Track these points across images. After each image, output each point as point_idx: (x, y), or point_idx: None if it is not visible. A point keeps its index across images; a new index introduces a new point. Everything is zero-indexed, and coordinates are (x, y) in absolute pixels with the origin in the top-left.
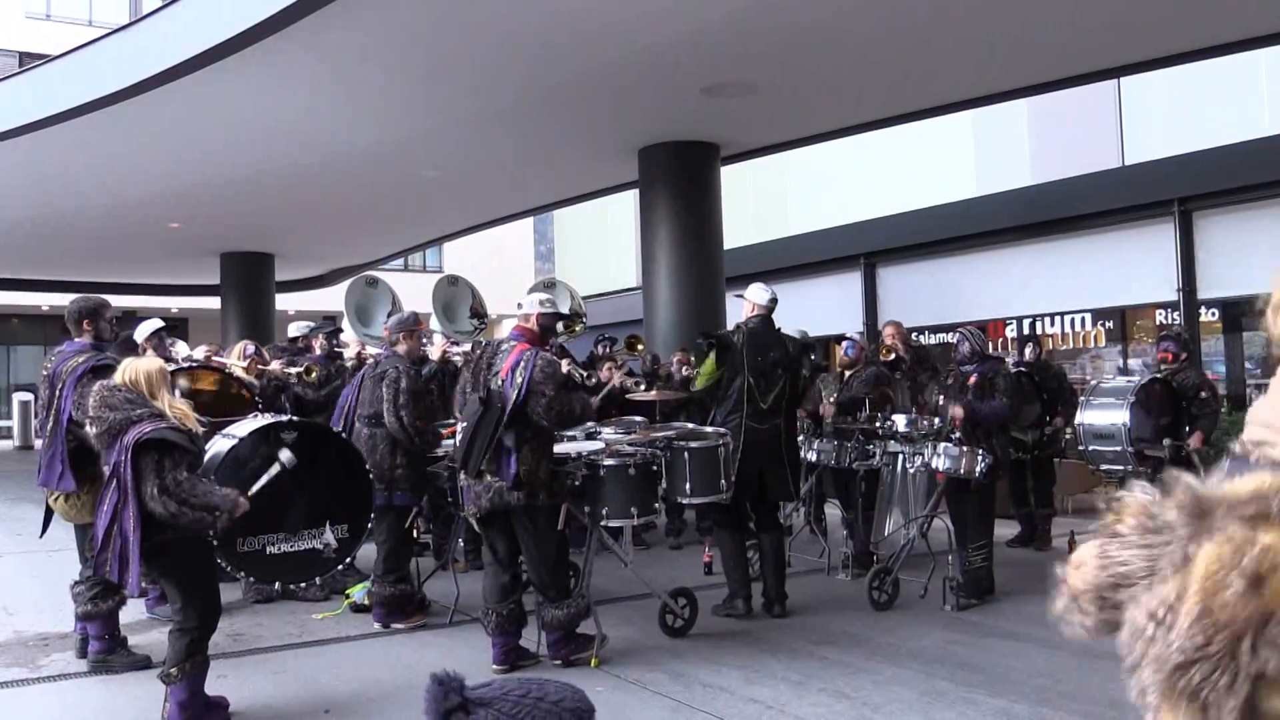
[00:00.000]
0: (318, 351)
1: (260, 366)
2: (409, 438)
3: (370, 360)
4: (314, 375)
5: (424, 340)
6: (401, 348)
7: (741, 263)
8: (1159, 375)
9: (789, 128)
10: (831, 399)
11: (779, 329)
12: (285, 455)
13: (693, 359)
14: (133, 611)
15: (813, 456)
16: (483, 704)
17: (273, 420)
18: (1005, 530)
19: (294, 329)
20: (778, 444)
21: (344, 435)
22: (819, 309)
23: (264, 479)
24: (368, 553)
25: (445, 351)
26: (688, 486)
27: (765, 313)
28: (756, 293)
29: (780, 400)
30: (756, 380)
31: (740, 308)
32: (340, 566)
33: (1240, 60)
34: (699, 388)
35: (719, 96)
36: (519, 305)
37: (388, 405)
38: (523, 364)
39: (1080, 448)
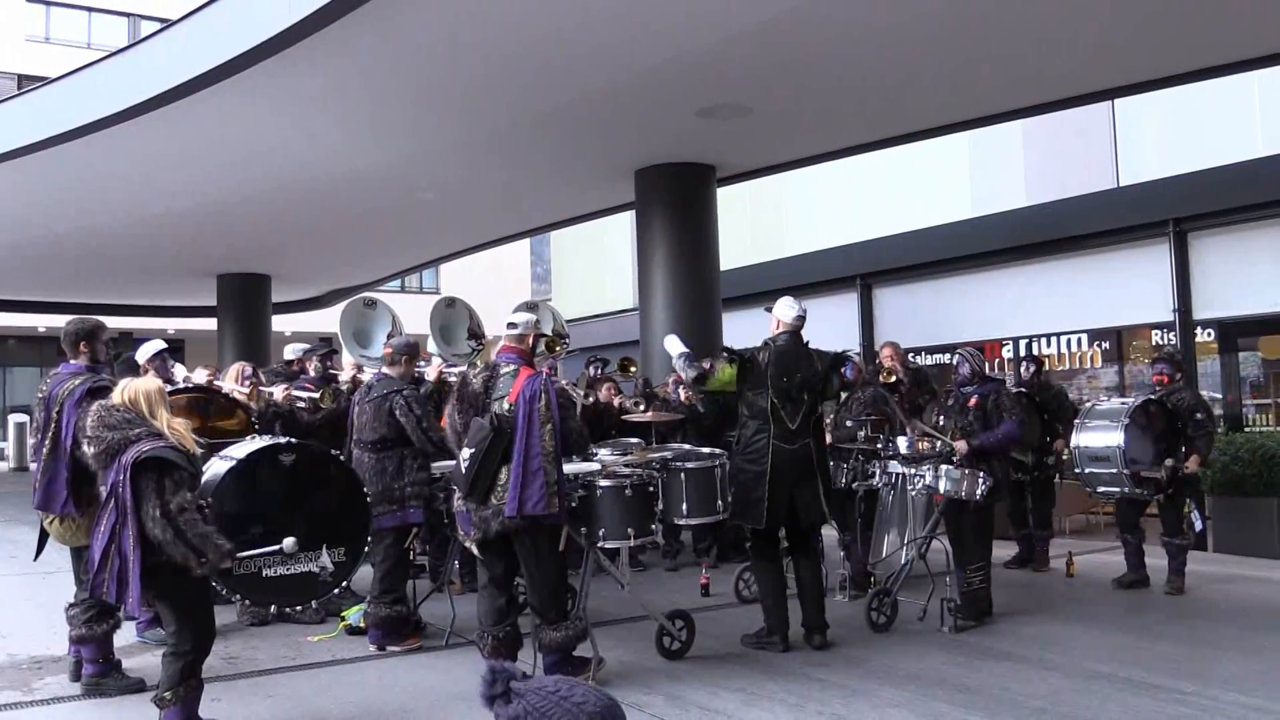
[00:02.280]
0: (312, 373)
1: (260, 389)
2: (438, 451)
3: (364, 384)
4: (328, 404)
5: (420, 364)
6: (397, 369)
7: (738, 284)
8: (1154, 397)
9: (785, 149)
10: (828, 422)
11: (808, 344)
12: (289, 543)
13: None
14: (124, 635)
15: None
16: (519, 695)
17: (271, 442)
18: (1003, 551)
19: (289, 351)
20: (809, 464)
21: (343, 459)
22: (816, 330)
23: (256, 552)
24: (364, 574)
25: (441, 372)
26: (684, 507)
27: (793, 329)
28: (783, 308)
29: (809, 419)
30: (782, 400)
31: (745, 327)
32: (337, 589)
33: (1234, 82)
34: (708, 387)
35: (715, 119)
36: (510, 325)
37: (413, 430)
38: (541, 391)
39: (1076, 470)
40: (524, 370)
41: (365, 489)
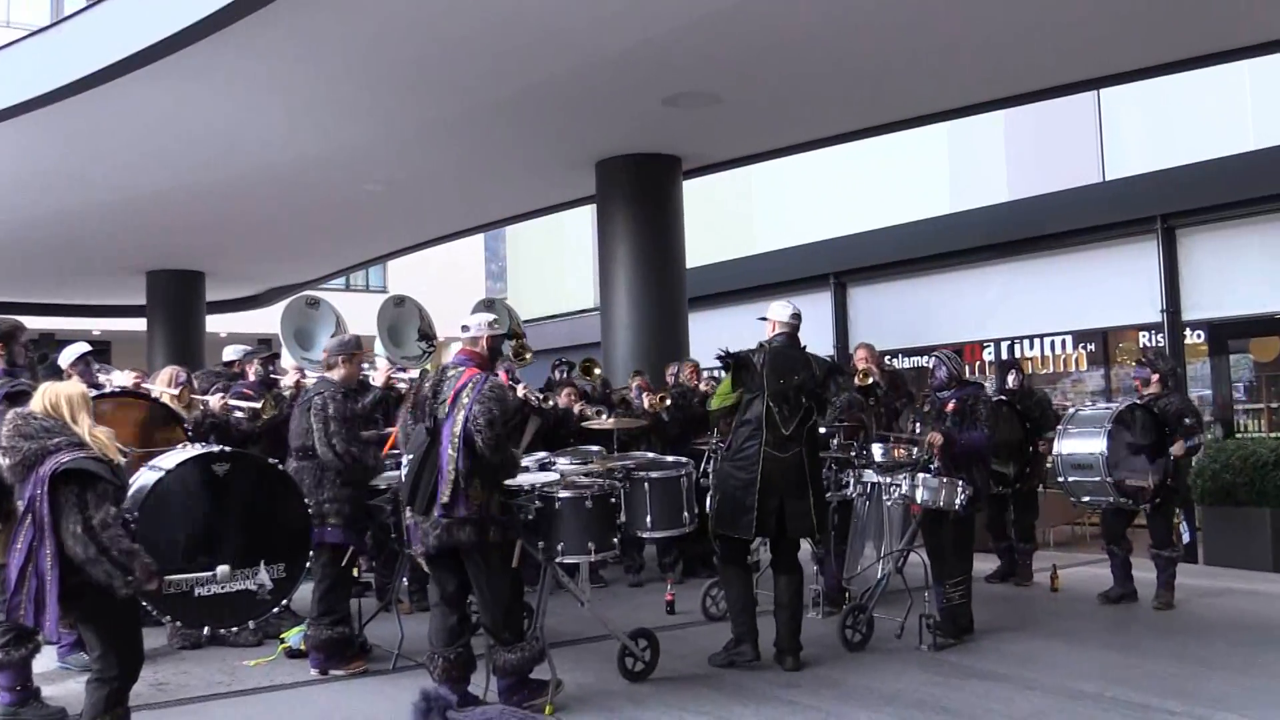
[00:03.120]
0: (251, 378)
1: (193, 397)
2: (348, 466)
3: (306, 387)
4: (269, 415)
5: (365, 366)
6: (337, 373)
7: (705, 282)
8: (1139, 402)
9: (755, 140)
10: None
11: (805, 348)
12: (222, 571)
13: (648, 381)
14: (44, 660)
15: None
16: None
17: (204, 451)
18: (984, 565)
19: (229, 352)
20: (801, 474)
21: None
22: None
23: (185, 576)
24: (305, 594)
25: (390, 377)
26: (648, 519)
27: (789, 330)
28: (778, 310)
29: (804, 426)
30: (778, 405)
31: (710, 329)
32: (275, 609)
33: (1224, 72)
34: (714, 408)
35: (681, 107)
36: (464, 328)
37: (318, 436)
38: (470, 387)
39: (1059, 479)
40: (468, 372)
41: (307, 500)
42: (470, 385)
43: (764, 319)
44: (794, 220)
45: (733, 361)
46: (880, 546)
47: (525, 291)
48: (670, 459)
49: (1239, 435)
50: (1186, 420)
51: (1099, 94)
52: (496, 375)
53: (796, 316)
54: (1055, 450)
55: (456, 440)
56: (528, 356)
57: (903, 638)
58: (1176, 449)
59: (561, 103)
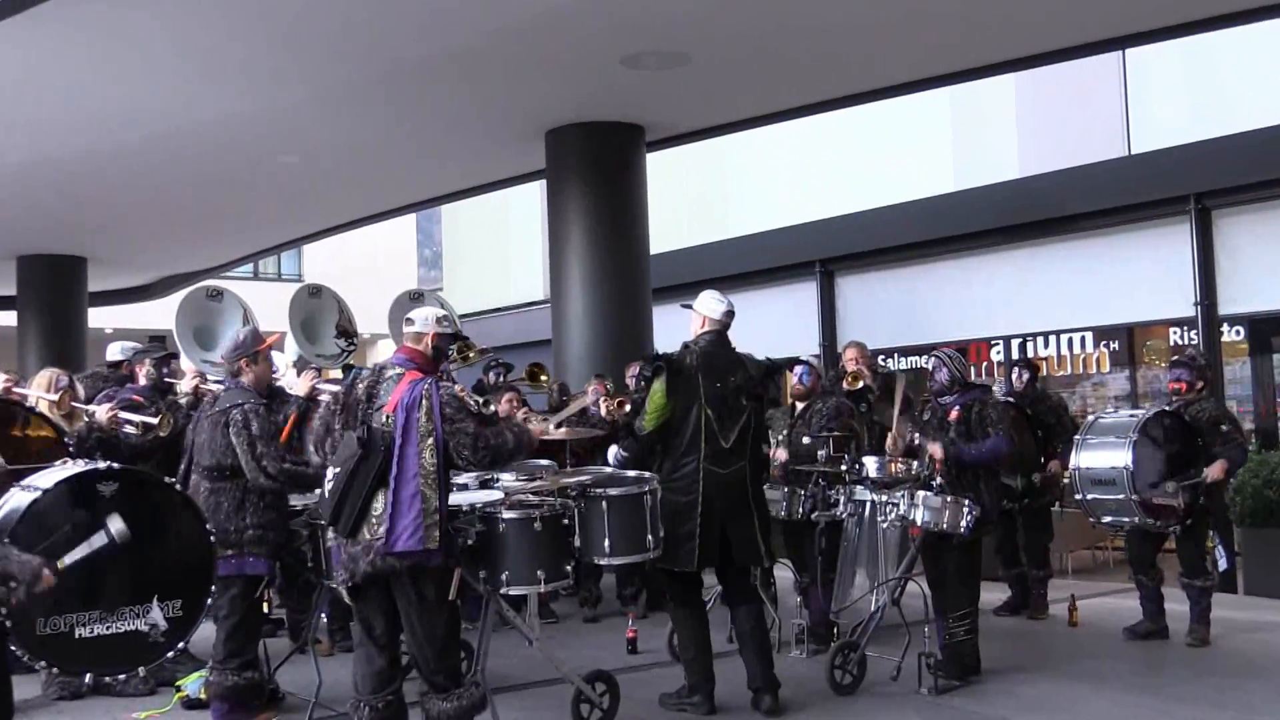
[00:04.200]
0: (143, 381)
1: (75, 406)
2: (283, 486)
3: (209, 396)
4: (166, 431)
5: (278, 371)
6: (247, 377)
7: (671, 270)
8: (1168, 408)
9: (728, 107)
10: (780, 438)
11: (734, 348)
12: (117, 526)
13: (609, 386)
14: None
15: None
16: None
17: (87, 468)
18: (993, 595)
19: (115, 351)
20: (743, 493)
21: (181, 487)
22: (766, 327)
23: (81, 551)
24: (205, 634)
25: (313, 384)
26: (607, 544)
27: (720, 328)
28: (708, 303)
29: (745, 436)
30: (717, 413)
31: (679, 324)
32: (171, 652)
33: (1266, 30)
34: (649, 428)
35: (643, 68)
36: (408, 321)
37: (244, 457)
38: (423, 397)
39: (1077, 496)
40: (409, 374)
41: (209, 526)
42: (422, 395)
43: (688, 306)
44: (774, 199)
45: (663, 366)
46: (874, 575)
47: (464, 281)
48: (632, 474)
49: None
50: (1223, 427)
51: (1124, 55)
52: (431, 379)
53: (730, 314)
54: (1073, 463)
55: (431, 474)
56: (471, 355)
57: (900, 679)
58: (1215, 470)
59: (505, 63)
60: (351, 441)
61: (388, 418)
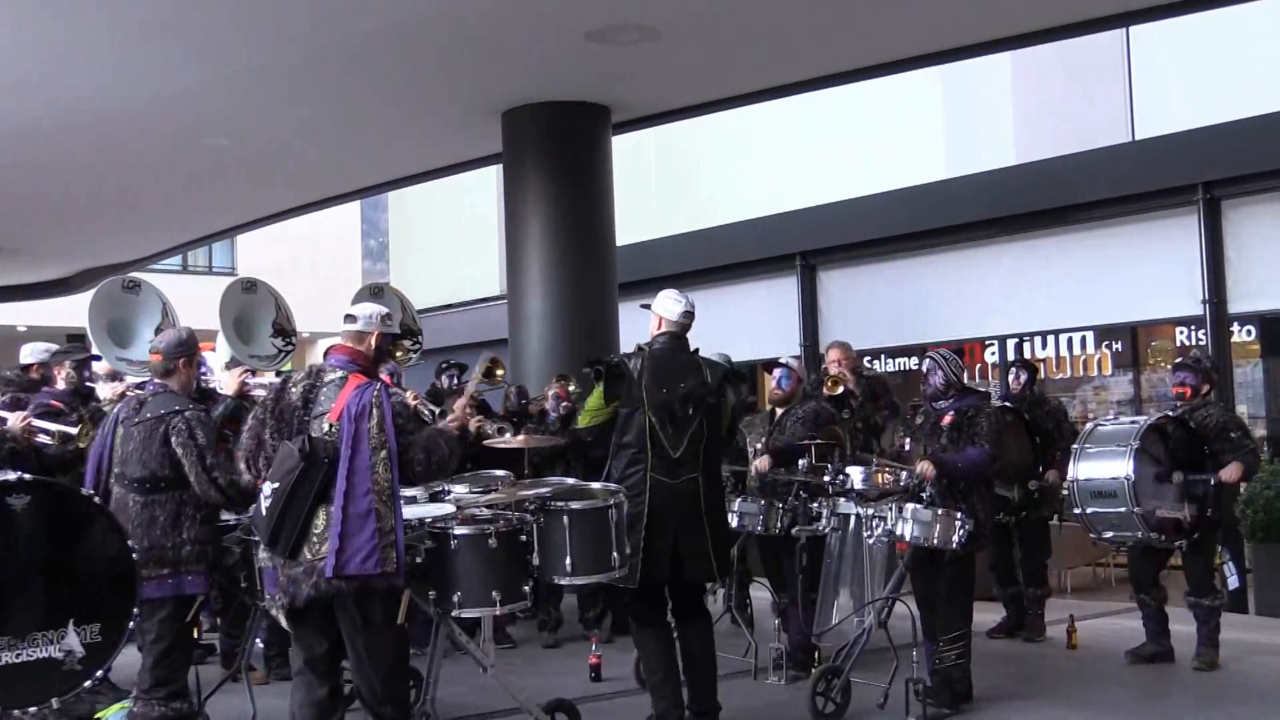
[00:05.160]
0: (62, 384)
1: None
2: (230, 500)
3: (131, 400)
4: (87, 441)
5: (205, 371)
6: (178, 379)
7: (639, 264)
8: (1173, 414)
9: (701, 86)
10: (759, 445)
11: (696, 351)
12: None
13: (571, 389)
14: None
15: (733, 521)
16: None
17: None
18: (987, 616)
19: (27, 353)
20: (695, 505)
21: (99, 501)
22: (742, 326)
23: None
24: (129, 660)
25: (244, 384)
26: (568, 562)
27: (676, 330)
28: (665, 303)
29: (697, 446)
30: (662, 421)
31: (648, 323)
32: (89, 682)
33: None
34: (581, 425)
35: (611, 43)
36: (349, 318)
37: (193, 470)
38: (372, 405)
39: (1076, 510)
40: (353, 379)
41: (131, 543)
42: (371, 403)
43: (646, 306)
44: (750, 187)
45: (601, 370)
46: (859, 594)
47: (413, 275)
48: (597, 486)
49: None
50: (1232, 435)
51: (1128, 33)
52: (379, 383)
53: (689, 315)
54: (1070, 474)
55: (385, 490)
56: (414, 355)
57: (887, 707)
58: (1230, 471)
59: (457, 36)
60: (291, 453)
61: (331, 426)
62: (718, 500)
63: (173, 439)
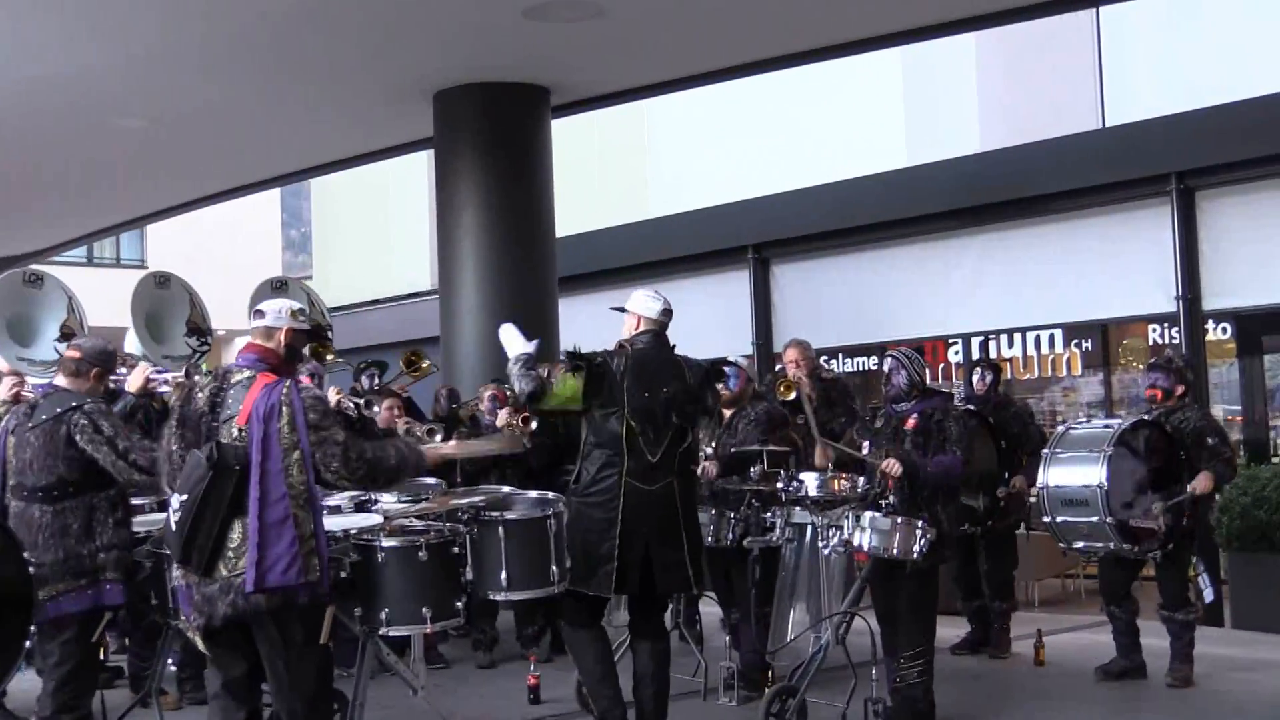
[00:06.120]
0: None
1: None
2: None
3: (22, 405)
4: None
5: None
6: (81, 384)
7: (581, 256)
8: (1147, 417)
9: (648, 66)
10: (707, 449)
11: (674, 350)
12: None
13: (509, 392)
14: None
15: None
16: None
17: None
18: (950, 631)
19: None
20: (672, 513)
21: None
22: (690, 322)
23: None
24: (26, 685)
25: (149, 380)
26: (504, 576)
27: (657, 328)
28: (643, 301)
29: (675, 450)
30: (641, 424)
31: (589, 320)
32: None
33: None
34: (545, 406)
35: (550, 20)
36: (257, 314)
37: (109, 461)
38: (281, 404)
39: (1045, 519)
40: (261, 378)
41: (29, 558)
42: (280, 402)
43: (621, 309)
44: (700, 175)
45: (581, 367)
46: (815, 609)
47: (336, 268)
48: (534, 495)
49: (1276, 460)
50: (1209, 440)
51: (1099, 14)
52: (288, 381)
53: (667, 313)
54: (1040, 480)
55: (302, 493)
56: (328, 358)
57: None
58: (1202, 482)
59: (386, 11)
60: (199, 462)
61: (240, 431)
62: (693, 507)
63: (78, 438)
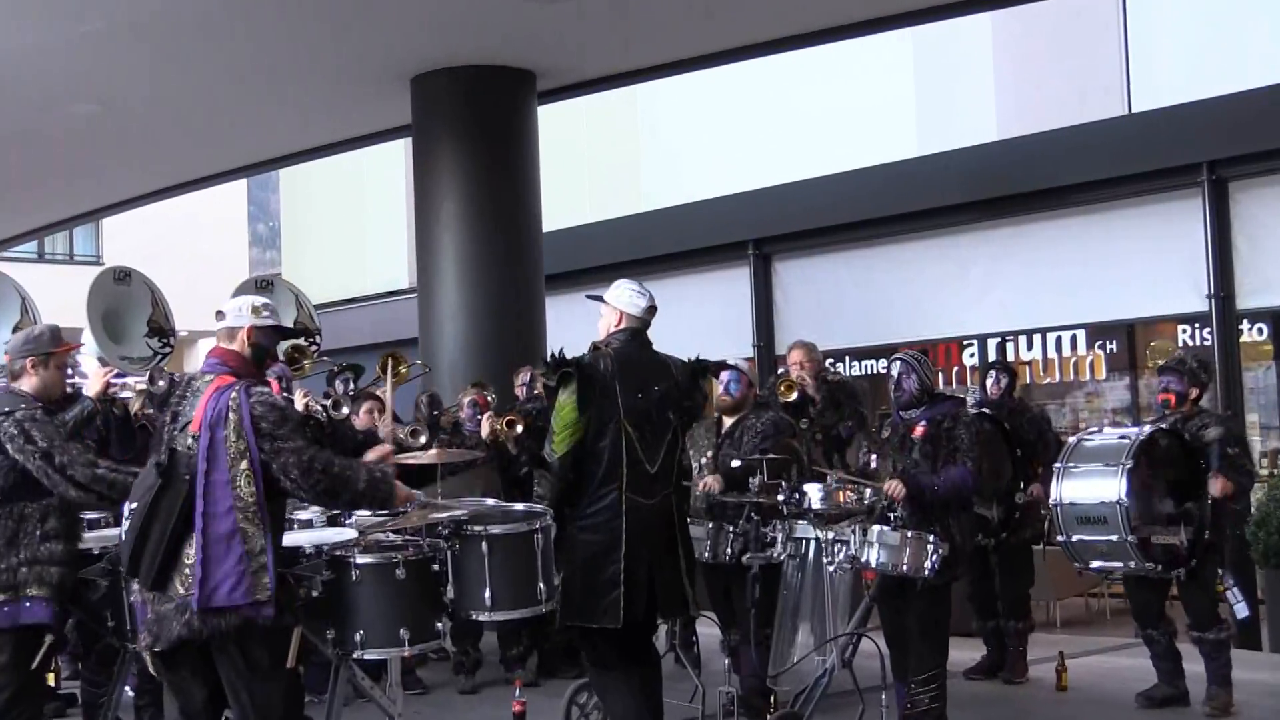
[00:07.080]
0: None
1: None
2: (112, 492)
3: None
4: None
5: (70, 371)
6: (29, 381)
7: (570, 252)
8: (1165, 425)
9: (641, 49)
10: (705, 460)
11: (656, 349)
12: None
13: (490, 397)
14: None
15: None
16: None
17: None
18: (965, 653)
19: None
20: (669, 528)
21: None
22: (688, 323)
23: None
24: None
25: (109, 384)
26: (487, 595)
27: (640, 326)
28: (625, 295)
29: (671, 458)
30: (639, 429)
31: (580, 321)
32: None
33: None
34: (560, 452)
35: (536, 0)
36: (219, 314)
37: (43, 474)
38: (228, 410)
39: (1060, 538)
40: (217, 381)
41: None
42: (228, 406)
43: (597, 298)
44: (698, 166)
45: (571, 373)
46: (820, 630)
47: (308, 265)
48: (520, 507)
49: None
50: (1229, 450)
51: None
52: (242, 385)
53: (652, 310)
54: (1054, 496)
55: (250, 506)
56: (306, 365)
57: None
58: (1218, 485)
59: None
60: (150, 470)
61: (194, 439)
62: (686, 522)
63: (8, 446)
